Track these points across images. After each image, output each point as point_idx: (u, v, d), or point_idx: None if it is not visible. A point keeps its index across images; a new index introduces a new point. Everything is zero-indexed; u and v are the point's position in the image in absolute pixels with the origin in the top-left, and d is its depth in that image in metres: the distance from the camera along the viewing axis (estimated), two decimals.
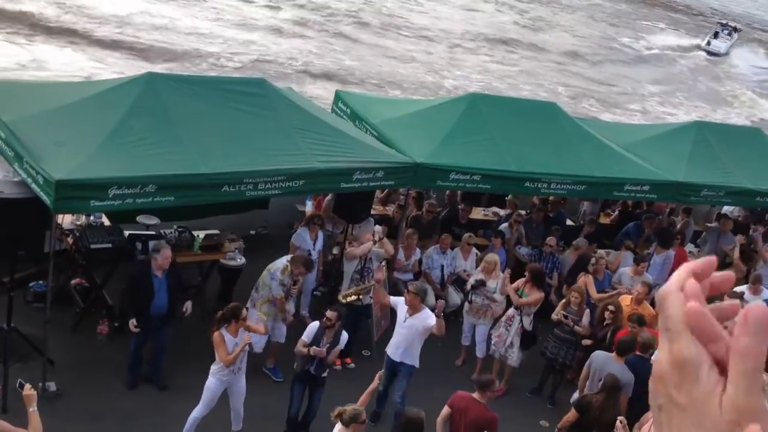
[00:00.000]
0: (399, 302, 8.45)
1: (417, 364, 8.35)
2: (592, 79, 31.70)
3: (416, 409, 7.04)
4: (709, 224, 14.01)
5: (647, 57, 38.58)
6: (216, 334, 7.51)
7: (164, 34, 24.30)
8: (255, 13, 29.12)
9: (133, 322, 8.19)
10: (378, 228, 10.13)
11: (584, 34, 39.54)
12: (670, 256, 11.72)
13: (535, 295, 9.52)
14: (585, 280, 10.29)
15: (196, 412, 7.69)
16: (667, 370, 0.82)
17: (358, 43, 28.80)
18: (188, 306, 8.61)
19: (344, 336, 8.02)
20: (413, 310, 8.17)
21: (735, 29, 43.67)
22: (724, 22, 45.88)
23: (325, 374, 8.03)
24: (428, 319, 8.19)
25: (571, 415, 7.75)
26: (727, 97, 34.17)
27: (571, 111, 14.48)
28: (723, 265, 12.72)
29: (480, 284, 9.68)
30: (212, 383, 7.66)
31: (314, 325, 8.05)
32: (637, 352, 8.49)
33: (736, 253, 12.33)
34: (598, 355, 8.52)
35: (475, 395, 7.25)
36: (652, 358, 8.37)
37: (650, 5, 51.46)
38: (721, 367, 0.80)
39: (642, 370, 8.18)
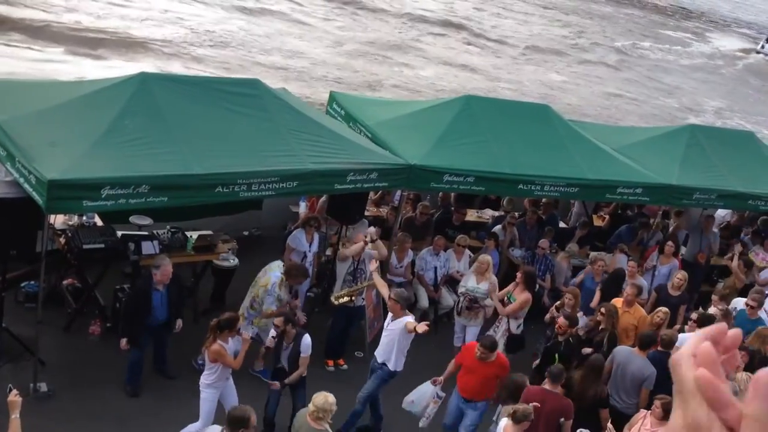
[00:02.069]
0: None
1: (397, 369, 8.26)
2: (649, 92, 31.70)
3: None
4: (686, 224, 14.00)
5: (700, 66, 39.06)
6: (217, 347, 7.42)
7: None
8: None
9: (124, 342, 8.21)
10: (371, 229, 10.13)
11: (632, 46, 39.72)
12: (675, 266, 11.76)
13: (522, 297, 9.54)
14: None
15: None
16: None
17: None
18: (179, 324, 8.64)
19: (306, 341, 7.81)
20: (395, 315, 8.18)
21: None
22: None
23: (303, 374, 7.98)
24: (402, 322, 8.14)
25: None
26: None
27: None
28: (708, 262, 12.76)
29: (473, 303, 9.71)
30: (210, 394, 7.55)
31: (272, 332, 7.99)
32: (660, 348, 8.58)
33: (735, 261, 12.30)
34: (621, 349, 8.67)
35: (547, 386, 7.56)
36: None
37: (674, 17, 51.81)
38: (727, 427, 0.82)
39: (665, 365, 8.29)
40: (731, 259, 12.52)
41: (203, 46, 23.84)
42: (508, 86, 27.23)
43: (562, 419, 7.35)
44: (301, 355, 7.78)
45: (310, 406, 6.49)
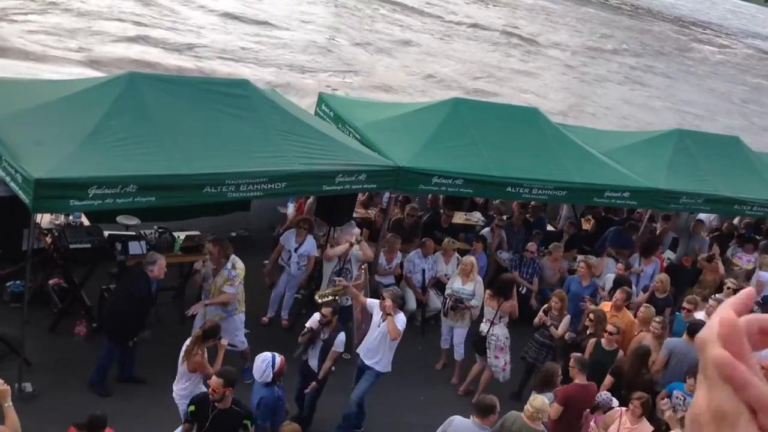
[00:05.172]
0: (375, 305, 8.44)
1: (387, 369, 8.33)
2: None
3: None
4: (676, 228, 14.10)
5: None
6: (200, 358, 7.31)
7: None
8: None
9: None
10: (356, 230, 10.13)
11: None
12: (657, 265, 11.87)
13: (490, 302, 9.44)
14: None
15: None
16: (707, 418, 0.83)
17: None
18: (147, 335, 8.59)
19: (341, 338, 8.01)
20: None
21: None
22: None
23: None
24: (398, 322, 8.20)
25: (608, 381, 8.44)
26: None
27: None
28: (694, 265, 12.86)
29: (458, 303, 9.71)
30: (186, 405, 7.34)
31: (316, 317, 8.09)
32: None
33: (721, 268, 12.39)
34: (677, 341, 9.04)
35: (578, 380, 7.92)
36: None
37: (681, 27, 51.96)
38: (751, 411, 0.81)
39: None
40: (707, 259, 12.57)
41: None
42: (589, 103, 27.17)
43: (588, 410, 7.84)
44: (333, 349, 7.96)
45: (528, 407, 7.05)
